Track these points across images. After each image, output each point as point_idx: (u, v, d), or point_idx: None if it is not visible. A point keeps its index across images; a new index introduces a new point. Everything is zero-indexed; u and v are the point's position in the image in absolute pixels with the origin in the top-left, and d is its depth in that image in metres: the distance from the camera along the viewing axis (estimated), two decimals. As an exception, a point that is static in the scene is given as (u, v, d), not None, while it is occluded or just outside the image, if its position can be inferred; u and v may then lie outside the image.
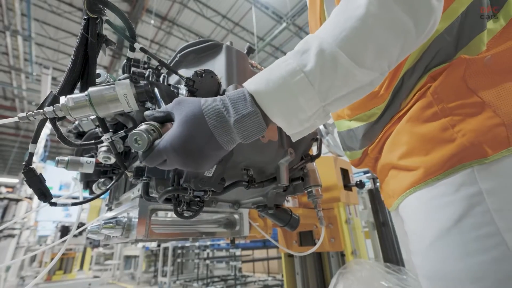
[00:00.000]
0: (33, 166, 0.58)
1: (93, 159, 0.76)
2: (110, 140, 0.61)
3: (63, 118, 0.53)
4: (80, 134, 0.85)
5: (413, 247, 0.54)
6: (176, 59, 0.80)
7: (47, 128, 5.57)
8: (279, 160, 0.74)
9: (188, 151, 0.44)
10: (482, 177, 0.44)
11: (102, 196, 0.82)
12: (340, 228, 1.55)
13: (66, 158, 0.73)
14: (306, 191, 0.92)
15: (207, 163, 0.47)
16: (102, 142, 0.62)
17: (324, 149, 1.82)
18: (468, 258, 0.43)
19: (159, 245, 7.33)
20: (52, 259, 5.76)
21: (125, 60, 0.67)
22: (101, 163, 0.73)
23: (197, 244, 6.95)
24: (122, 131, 0.63)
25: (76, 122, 0.82)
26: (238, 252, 6.34)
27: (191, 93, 0.62)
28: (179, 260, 7.27)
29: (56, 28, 9.33)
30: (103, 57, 8.57)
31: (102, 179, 0.86)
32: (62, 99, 0.50)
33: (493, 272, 0.41)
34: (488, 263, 0.41)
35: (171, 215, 1.03)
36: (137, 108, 0.55)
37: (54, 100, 0.53)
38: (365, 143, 0.69)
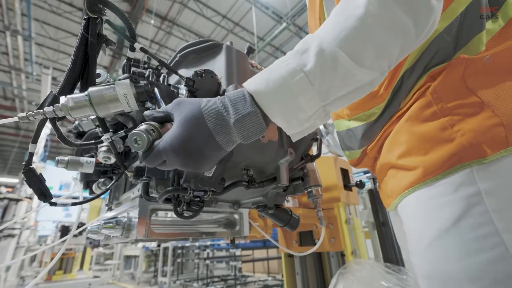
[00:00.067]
0: (33, 166, 0.58)
1: (93, 159, 0.76)
2: (110, 140, 0.61)
3: (63, 118, 0.53)
4: (80, 134, 0.85)
5: (411, 247, 0.54)
6: (176, 59, 0.80)
7: (47, 128, 5.58)
8: (279, 160, 0.74)
9: (188, 151, 0.44)
10: (481, 177, 0.44)
11: (102, 196, 0.82)
12: (340, 228, 1.55)
13: (66, 158, 0.73)
14: (306, 191, 0.92)
15: (207, 164, 0.47)
16: (102, 142, 0.62)
17: (324, 149, 1.82)
18: (467, 258, 0.43)
19: (159, 245, 7.33)
20: (52, 259, 5.76)
21: (125, 60, 0.67)
22: (101, 163, 0.73)
23: (197, 244, 6.95)
24: (122, 131, 0.63)
25: (76, 122, 0.82)
26: (238, 252, 6.34)
27: (191, 93, 0.62)
28: (179, 260, 7.27)
29: (56, 28, 9.33)
30: (103, 57, 8.57)
31: (102, 179, 0.86)
32: (62, 99, 0.50)
33: (491, 273, 0.41)
34: (487, 263, 0.41)
35: (171, 215, 1.03)
36: (137, 108, 0.55)
37: (54, 100, 0.53)
38: (364, 143, 0.69)
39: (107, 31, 0.47)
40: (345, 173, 1.65)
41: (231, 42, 0.77)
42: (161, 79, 0.70)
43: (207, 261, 6.33)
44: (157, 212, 0.81)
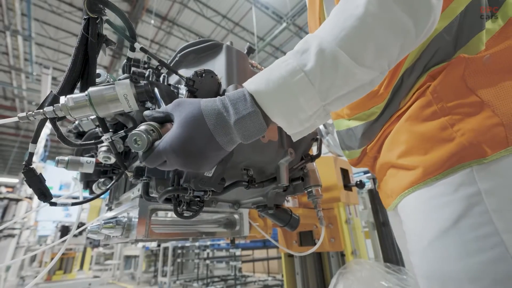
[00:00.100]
0: (33, 166, 0.58)
1: (93, 159, 0.76)
2: (110, 140, 0.61)
3: (63, 118, 0.53)
4: (80, 134, 0.85)
5: (411, 247, 0.54)
6: (176, 59, 0.80)
7: (47, 128, 5.58)
8: (279, 160, 0.74)
9: (188, 152, 0.44)
10: (481, 177, 0.44)
11: (102, 196, 0.82)
12: (340, 228, 1.55)
13: (66, 158, 0.73)
14: (306, 191, 0.92)
15: (207, 164, 0.47)
16: (102, 142, 0.62)
17: (324, 149, 1.82)
18: (467, 258, 0.43)
19: (159, 245, 7.33)
20: (52, 259, 5.76)
21: (125, 60, 0.67)
22: (101, 163, 0.73)
23: (197, 244, 6.94)
24: (122, 131, 0.63)
25: (76, 122, 0.82)
26: (238, 252, 6.34)
27: (191, 93, 0.62)
28: (179, 260, 7.27)
29: (56, 28, 9.33)
30: (103, 57, 8.57)
31: (102, 179, 0.86)
32: (62, 99, 0.50)
33: (491, 273, 0.41)
34: (487, 264, 0.41)
35: (171, 215, 1.03)
36: (137, 108, 0.55)
37: (54, 100, 0.53)
38: (364, 142, 0.69)
39: (107, 31, 0.47)
40: (345, 173, 1.65)
41: (231, 42, 0.77)
42: (161, 79, 0.70)
43: (207, 261, 6.33)
44: (157, 212, 0.81)
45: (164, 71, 0.72)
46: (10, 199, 6.14)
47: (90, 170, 0.76)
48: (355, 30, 0.43)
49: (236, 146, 0.49)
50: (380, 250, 1.74)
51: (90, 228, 0.73)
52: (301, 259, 1.68)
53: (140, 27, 9.45)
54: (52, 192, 0.62)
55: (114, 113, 0.54)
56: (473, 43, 0.52)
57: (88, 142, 0.65)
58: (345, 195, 1.52)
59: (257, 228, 1.19)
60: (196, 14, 9.24)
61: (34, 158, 5.52)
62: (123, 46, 9.85)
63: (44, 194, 0.59)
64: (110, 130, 0.62)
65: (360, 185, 1.58)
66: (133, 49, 0.60)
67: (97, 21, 0.54)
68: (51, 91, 0.55)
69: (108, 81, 0.66)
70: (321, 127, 1.88)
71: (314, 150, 0.90)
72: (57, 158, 0.73)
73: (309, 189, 0.90)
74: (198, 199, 0.70)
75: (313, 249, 1.02)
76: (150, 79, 0.67)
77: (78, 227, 4.24)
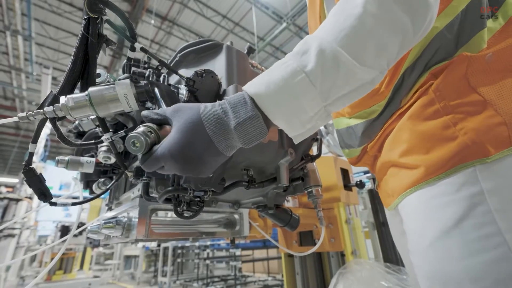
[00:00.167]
0: (33, 166, 0.58)
1: (93, 159, 0.76)
2: (110, 140, 0.61)
3: (63, 118, 0.53)
4: (80, 134, 0.85)
5: (412, 246, 0.54)
6: (176, 59, 0.80)
7: (47, 127, 5.58)
8: (279, 160, 0.74)
9: (187, 158, 0.44)
10: (484, 177, 0.44)
11: (102, 196, 0.82)
12: (340, 228, 1.55)
13: (66, 158, 0.73)
14: (306, 191, 0.92)
15: (206, 170, 0.47)
16: (102, 142, 0.62)
17: (324, 149, 1.82)
18: (469, 258, 0.43)
19: (159, 245, 7.33)
20: (52, 259, 5.76)
21: (125, 60, 0.67)
22: (101, 163, 0.73)
23: (197, 244, 6.95)
24: (122, 131, 0.63)
25: (76, 122, 0.82)
26: (238, 252, 6.34)
27: (192, 93, 0.62)
28: (179, 260, 7.27)
29: (56, 28, 9.33)
30: (103, 57, 8.56)
31: (102, 179, 0.86)
32: (62, 99, 0.50)
33: (493, 272, 0.41)
34: (489, 263, 0.41)
35: (171, 215, 1.03)
36: (137, 108, 0.55)
37: (54, 100, 0.53)
38: (364, 141, 0.69)
39: (107, 31, 0.47)
40: (345, 173, 1.65)
41: (231, 42, 0.77)
42: (161, 79, 0.70)
43: (207, 261, 6.34)
44: (157, 212, 0.81)
45: (164, 71, 0.72)
46: (10, 199, 6.14)
47: (90, 170, 0.76)
48: (354, 29, 0.43)
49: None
50: (380, 250, 1.74)
51: (90, 228, 0.73)
52: (301, 259, 1.68)
53: (140, 27, 9.45)
54: (52, 192, 0.62)
55: (114, 113, 0.54)
56: (475, 41, 0.52)
57: (88, 142, 0.65)
58: (345, 195, 1.52)
59: (257, 228, 1.19)
60: (196, 14, 9.24)
61: (34, 158, 5.52)
62: (123, 46, 9.85)
63: (44, 194, 0.59)
64: (110, 130, 0.62)
65: (360, 185, 1.58)
66: (133, 49, 0.60)
67: (97, 21, 0.54)
68: (51, 91, 0.55)
69: (108, 81, 0.66)
70: (321, 127, 1.88)
71: (314, 150, 0.90)
72: (57, 158, 0.73)
73: (309, 189, 0.90)
74: (198, 199, 0.70)
75: (313, 249, 1.02)
76: (150, 79, 0.67)
77: (78, 227, 4.24)
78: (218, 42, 0.76)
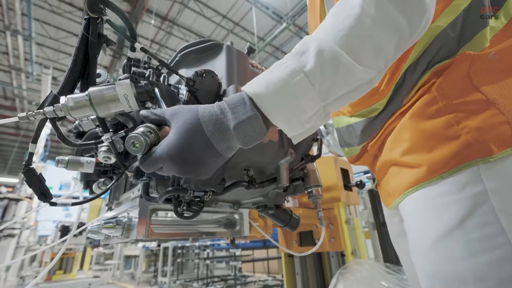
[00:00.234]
0: (33, 166, 0.58)
1: (93, 159, 0.76)
2: (110, 140, 0.61)
3: (63, 118, 0.53)
4: (80, 134, 0.85)
5: (413, 246, 0.54)
6: (177, 59, 0.80)
7: (47, 127, 5.58)
8: (280, 160, 0.74)
9: (185, 159, 0.44)
10: (487, 176, 0.44)
11: (102, 196, 0.82)
12: (340, 228, 1.55)
13: (66, 158, 0.73)
14: (306, 191, 0.91)
15: (205, 172, 0.47)
16: (102, 142, 0.62)
17: (324, 149, 1.82)
18: (471, 258, 0.42)
19: (159, 245, 7.33)
20: (52, 259, 5.76)
21: (125, 60, 0.67)
22: (101, 163, 0.73)
23: (197, 244, 6.95)
24: (122, 131, 0.63)
25: (76, 122, 0.82)
26: (238, 252, 6.34)
27: (192, 93, 0.62)
28: (179, 260, 7.27)
29: (57, 28, 9.33)
30: (103, 57, 8.55)
31: (102, 179, 0.86)
32: (62, 99, 0.50)
33: (496, 272, 0.41)
34: (492, 263, 0.41)
35: (171, 215, 1.03)
36: (138, 108, 0.55)
37: (54, 100, 0.53)
38: (364, 139, 0.69)
39: (107, 31, 0.47)
40: (345, 173, 1.65)
41: (231, 42, 0.77)
42: (161, 79, 0.70)
43: (207, 261, 6.34)
44: (157, 212, 0.81)
45: (164, 71, 0.72)
46: (10, 199, 6.14)
47: (90, 170, 0.76)
48: (353, 30, 0.44)
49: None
50: (380, 250, 1.74)
51: (90, 228, 0.73)
52: (301, 259, 1.68)
53: (140, 27, 9.45)
54: (52, 192, 0.62)
55: (115, 113, 0.54)
56: (477, 40, 0.52)
57: (88, 142, 0.64)
58: (345, 195, 1.52)
59: (257, 228, 1.19)
60: (196, 14, 9.24)
61: (34, 158, 5.51)
62: (123, 46, 9.85)
63: (44, 194, 0.59)
64: (110, 130, 0.62)
65: (360, 185, 1.58)
66: (133, 49, 0.60)
67: (97, 21, 0.54)
68: (51, 91, 0.54)
69: (108, 81, 0.66)
70: (322, 127, 1.88)
71: (314, 150, 0.90)
72: (57, 158, 0.73)
73: (309, 189, 0.90)
74: (198, 199, 0.70)
75: (313, 249, 1.02)
76: (151, 79, 0.67)
77: (78, 227, 4.24)
78: (218, 42, 0.76)
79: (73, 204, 0.69)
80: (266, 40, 9.85)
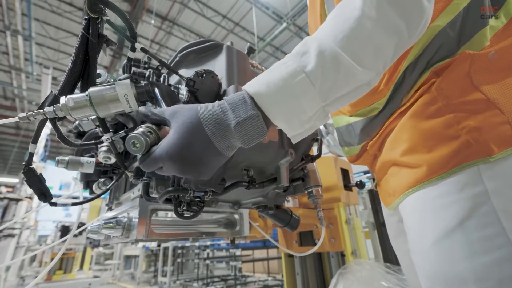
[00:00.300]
0: (33, 166, 0.58)
1: (94, 159, 0.76)
2: (111, 140, 0.61)
3: (64, 118, 0.53)
4: (80, 134, 0.85)
5: (413, 246, 0.54)
6: (177, 59, 0.80)
7: (47, 128, 5.57)
8: (280, 160, 0.74)
9: (186, 159, 0.44)
10: (487, 176, 0.44)
11: (102, 196, 0.82)
12: (340, 228, 1.55)
13: (67, 158, 0.73)
14: (306, 192, 0.91)
15: (206, 171, 0.47)
16: (102, 142, 0.62)
17: (324, 149, 1.82)
18: (472, 259, 0.42)
19: (159, 245, 7.33)
20: (52, 259, 5.76)
21: (125, 60, 0.67)
22: (101, 163, 0.73)
23: (197, 244, 6.95)
24: (123, 131, 0.63)
25: (77, 122, 0.82)
26: (238, 252, 6.34)
27: (192, 93, 0.62)
28: (179, 260, 7.27)
29: (57, 28, 9.33)
30: (103, 57, 8.56)
31: (103, 179, 0.86)
32: (63, 99, 0.50)
33: (496, 273, 0.41)
34: (492, 264, 0.41)
35: (171, 215, 1.03)
36: (138, 108, 0.55)
37: (55, 100, 0.53)
38: (363, 138, 0.69)
39: (107, 31, 0.47)
40: (345, 173, 1.65)
41: (231, 42, 0.77)
42: (161, 79, 0.70)
43: (207, 261, 6.34)
44: (157, 212, 0.81)
45: (164, 71, 0.72)
46: (10, 199, 6.14)
47: (90, 170, 0.76)
48: (353, 31, 0.44)
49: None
50: (380, 250, 1.74)
51: (90, 228, 0.73)
52: (301, 259, 1.68)
53: (141, 27, 9.45)
54: (52, 192, 0.62)
55: (115, 113, 0.54)
56: (477, 39, 0.52)
57: (88, 142, 0.64)
58: (345, 195, 1.52)
59: (257, 228, 1.19)
60: (197, 14, 9.24)
61: (34, 158, 5.52)
62: (123, 46, 9.85)
63: (44, 194, 0.59)
64: (111, 130, 0.62)
65: (360, 185, 1.58)
66: (133, 49, 0.60)
67: (97, 21, 0.54)
68: (52, 91, 0.54)
69: (108, 81, 0.66)
70: (322, 127, 1.88)
71: (314, 151, 0.90)
72: (57, 158, 0.73)
73: (310, 190, 0.90)
74: (199, 199, 0.70)
75: (313, 249, 1.02)
76: (151, 79, 0.67)
77: (78, 227, 4.24)
78: (219, 42, 0.76)
79: (73, 204, 0.69)
80: (266, 40, 9.85)
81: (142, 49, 0.59)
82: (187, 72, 0.67)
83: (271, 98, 0.44)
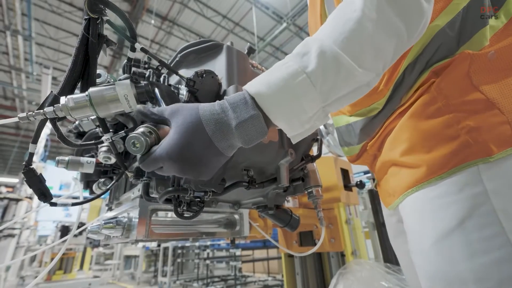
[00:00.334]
0: (33, 166, 0.58)
1: (94, 159, 0.76)
2: (111, 141, 0.61)
3: (64, 118, 0.53)
4: (80, 134, 0.85)
5: (413, 246, 0.54)
6: (177, 59, 0.80)
7: (47, 128, 5.57)
8: (280, 160, 0.74)
9: (186, 159, 0.44)
10: (487, 176, 0.44)
11: (102, 196, 0.82)
12: (340, 228, 1.55)
13: (67, 158, 0.73)
14: (306, 192, 0.91)
15: (207, 171, 0.47)
16: (102, 142, 0.62)
17: (324, 149, 1.82)
18: (472, 259, 0.42)
19: (159, 245, 7.33)
20: (52, 259, 5.76)
21: (125, 60, 0.67)
22: (101, 163, 0.73)
23: (197, 244, 6.95)
24: (123, 131, 0.63)
25: (77, 122, 0.82)
26: (238, 252, 6.34)
27: (192, 93, 0.62)
28: (179, 260, 7.27)
29: (57, 28, 9.34)
30: (103, 57, 8.56)
31: (103, 179, 0.86)
32: (63, 99, 0.50)
33: (496, 273, 0.41)
34: (492, 264, 0.41)
35: (171, 215, 1.03)
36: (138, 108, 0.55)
37: (55, 100, 0.53)
38: (363, 138, 0.69)
39: (107, 31, 0.47)
40: (345, 173, 1.65)
41: (231, 42, 0.77)
42: (161, 79, 0.70)
43: (207, 261, 6.34)
44: (157, 212, 0.81)
45: (164, 71, 0.72)
46: (10, 199, 6.14)
47: (90, 170, 0.76)
48: (354, 33, 0.44)
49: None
50: (380, 250, 1.74)
51: (90, 228, 0.72)
52: (301, 259, 1.68)
53: (141, 27, 9.46)
54: (52, 192, 0.62)
55: (115, 113, 0.54)
56: (477, 39, 0.52)
57: (89, 142, 0.64)
58: (345, 196, 1.52)
59: (257, 228, 1.19)
60: (197, 14, 9.25)
61: (34, 158, 5.51)
62: (123, 46, 9.85)
63: (44, 194, 0.59)
64: (111, 130, 0.62)
65: (360, 185, 1.58)
66: (133, 49, 0.60)
67: (97, 22, 0.54)
68: (52, 91, 0.54)
69: (108, 82, 0.66)
70: (322, 127, 1.88)
71: (314, 151, 0.90)
72: (57, 158, 0.73)
73: (310, 190, 0.90)
74: (199, 199, 0.70)
75: (313, 249, 1.02)
76: (151, 79, 0.67)
77: (78, 227, 4.24)
78: (219, 42, 0.76)
79: (73, 204, 0.69)
80: (266, 40, 9.85)
81: (142, 49, 0.59)
82: (187, 72, 0.67)
83: (272, 98, 0.44)
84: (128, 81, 0.53)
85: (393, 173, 0.59)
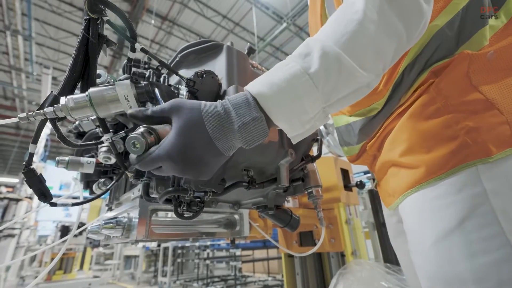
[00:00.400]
0: (33, 166, 0.58)
1: (94, 159, 0.76)
2: (111, 141, 0.61)
3: (64, 118, 0.53)
4: (80, 134, 0.85)
5: (413, 247, 0.54)
6: (177, 59, 0.80)
7: (48, 128, 5.57)
8: (280, 160, 0.74)
9: (186, 159, 0.44)
10: (486, 177, 0.44)
11: (102, 196, 0.82)
12: (340, 228, 1.55)
13: (67, 158, 0.73)
14: (306, 192, 0.91)
15: (207, 171, 0.47)
16: (102, 142, 0.62)
17: (324, 149, 1.82)
18: (471, 259, 0.43)
19: (159, 245, 7.34)
20: (52, 259, 5.77)
21: (125, 60, 0.67)
22: (101, 163, 0.73)
23: (197, 244, 6.95)
24: (123, 131, 0.63)
25: (77, 122, 0.82)
26: (238, 252, 6.34)
27: (192, 93, 0.62)
28: (179, 260, 7.27)
29: (57, 28, 9.34)
30: (103, 57, 8.56)
31: (103, 179, 0.86)
32: (63, 100, 0.50)
33: (496, 273, 0.41)
34: (492, 264, 0.41)
35: (171, 215, 1.03)
36: (138, 108, 0.55)
37: (55, 100, 0.53)
38: (362, 138, 0.69)
39: (107, 31, 0.47)
40: (345, 173, 1.65)
41: (231, 42, 0.77)
42: (161, 79, 0.70)
43: (207, 261, 6.33)
44: (157, 213, 0.81)
45: (164, 71, 0.72)
46: (10, 199, 6.14)
47: (90, 170, 0.76)
48: (356, 34, 0.44)
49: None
50: (380, 250, 1.74)
51: (90, 228, 0.73)
52: (301, 260, 1.68)
53: (141, 27, 9.46)
54: (52, 192, 0.62)
55: (115, 113, 0.54)
56: (476, 39, 0.52)
57: (89, 142, 0.64)
58: (345, 196, 1.52)
59: (257, 228, 1.19)
60: (197, 14, 9.24)
61: (34, 158, 5.52)
62: (123, 46, 9.86)
63: (44, 194, 0.59)
64: (111, 130, 0.62)
65: (360, 185, 1.58)
66: (133, 49, 0.60)
67: (97, 22, 0.54)
68: (52, 91, 0.54)
69: (108, 82, 0.66)
70: (322, 127, 1.88)
71: (314, 151, 0.90)
72: (57, 158, 0.73)
73: (310, 190, 0.90)
74: (199, 199, 0.70)
75: (313, 249, 1.02)
76: (151, 79, 0.67)
77: (78, 227, 4.24)
78: (219, 42, 0.76)
79: (73, 204, 0.69)
80: (266, 40, 9.85)
81: (142, 50, 0.59)
82: (187, 73, 0.67)
83: (274, 99, 0.44)
84: (128, 81, 0.53)
85: (393, 174, 0.59)
